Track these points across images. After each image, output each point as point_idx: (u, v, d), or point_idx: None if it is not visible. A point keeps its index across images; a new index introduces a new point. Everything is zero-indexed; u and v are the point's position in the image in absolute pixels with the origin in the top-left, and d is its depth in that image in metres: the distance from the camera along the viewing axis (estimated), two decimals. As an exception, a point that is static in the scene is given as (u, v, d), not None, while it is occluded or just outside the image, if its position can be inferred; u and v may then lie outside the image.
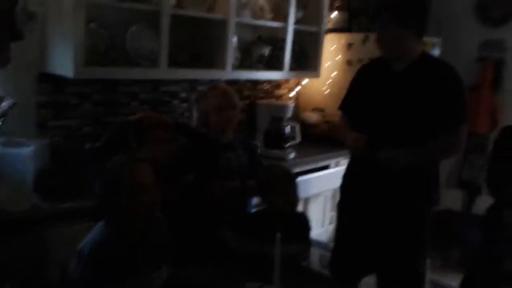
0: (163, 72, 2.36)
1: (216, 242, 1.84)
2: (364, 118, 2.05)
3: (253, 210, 2.15)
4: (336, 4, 3.45)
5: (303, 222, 1.94)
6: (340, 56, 3.42)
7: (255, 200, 2.23)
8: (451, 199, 3.56)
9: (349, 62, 3.39)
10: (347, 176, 2.22)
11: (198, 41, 2.69)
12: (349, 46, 3.38)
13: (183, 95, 2.81)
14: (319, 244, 2.90)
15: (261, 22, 2.89)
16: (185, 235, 1.84)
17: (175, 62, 2.50)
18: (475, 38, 3.65)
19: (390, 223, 2.03)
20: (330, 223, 3.20)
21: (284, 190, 1.85)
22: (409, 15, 1.89)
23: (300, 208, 2.82)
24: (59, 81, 2.19)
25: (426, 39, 3.06)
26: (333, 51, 3.43)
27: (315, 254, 2.85)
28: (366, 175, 2.05)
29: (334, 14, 3.47)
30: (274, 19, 2.97)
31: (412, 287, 2.11)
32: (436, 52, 3.29)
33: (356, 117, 2.14)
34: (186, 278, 1.59)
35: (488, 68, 3.57)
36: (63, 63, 2.07)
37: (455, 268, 3.26)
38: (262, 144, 2.90)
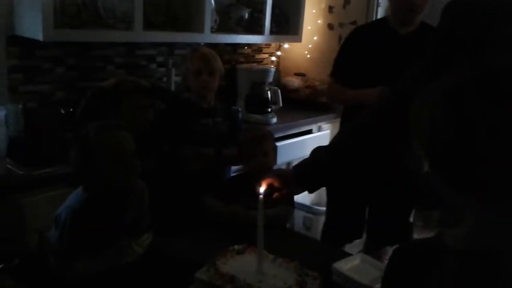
0: (138, 35, 2.27)
1: (197, 209, 1.81)
2: (365, 83, 2.02)
3: (232, 175, 2.12)
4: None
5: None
6: (321, 20, 3.36)
7: (234, 168, 2.20)
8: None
9: (330, 26, 3.33)
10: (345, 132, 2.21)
11: (174, 2, 2.59)
12: (330, 9, 3.31)
13: (161, 59, 2.73)
14: (302, 206, 2.93)
15: (239, -17, 2.80)
16: (165, 203, 1.82)
17: (151, 24, 2.41)
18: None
19: (381, 176, 2.08)
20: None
21: (261, 150, 1.83)
22: None
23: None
24: (29, 44, 2.09)
25: None
26: (313, 15, 3.36)
27: (298, 217, 2.87)
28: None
29: (315, -24, 3.39)
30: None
31: (403, 236, 2.18)
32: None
33: (353, 83, 2.09)
34: (168, 246, 1.56)
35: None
36: (32, 25, 1.97)
37: (435, 228, 3.34)
38: (243, 109, 2.86)
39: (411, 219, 2.24)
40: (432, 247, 0.77)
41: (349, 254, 1.59)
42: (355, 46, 2.13)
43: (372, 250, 2.24)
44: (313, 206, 2.93)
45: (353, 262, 1.48)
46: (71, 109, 2.19)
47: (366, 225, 2.31)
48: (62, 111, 2.19)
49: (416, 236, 3.26)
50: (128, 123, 1.55)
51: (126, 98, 1.78)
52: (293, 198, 1.92)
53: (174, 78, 2.66)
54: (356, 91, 2.08)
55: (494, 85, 0.69)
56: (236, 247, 1.46)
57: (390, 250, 2.34)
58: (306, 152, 2.94)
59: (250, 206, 1.70)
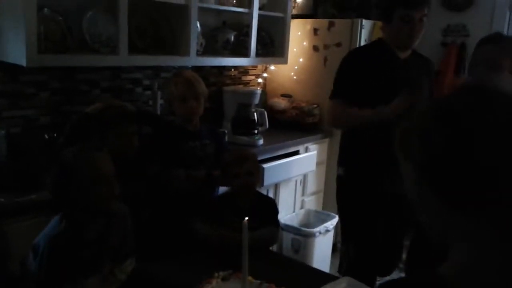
0: (124, 59, 2.28)
1: (185, 233, 1.79)
2: (370, 102, 2.01)
3: (218, 195, 2.10)
4: (301, -11, 3.42)
5: (269, 205, 1.92)
6: (306, 42, 3.40)
7: (221, 190, 2.19)
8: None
9: (315, 48, 3.38)
10: (355, 162, 2.17)
11: (160, 26, 2.61)
12: (315, 31, 3.36)
13: (147, 82, 2.74)
14: (290, 228, 2.91)
15: (225, 8, 2.83)
16: (151, 227, 1.79)
17: (136, 48, 2.42)
18: (439, 22, 3.70)
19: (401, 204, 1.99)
20: (301, 208, 3.20)
21: (245, 169, 1.82)
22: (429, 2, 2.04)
23: (270, 193, 2.82)
24: (13, 69, 2.08)
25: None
26: (299, 37, 3.41)
27: (287, 239, 2.85)
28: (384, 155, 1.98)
29: (299, 0, 3.45)
30: (239, 4, 2.92)
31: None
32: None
33: (357, 102, 2.06)
34: (152, 272, 1.54)
35: (451, 53, 3.62)
36: (16, 51, 1.96)
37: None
38: (230, 131, 2.86)
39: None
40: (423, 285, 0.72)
41: (336, 278, 1.58)
42: (356, 68, 2.10)
43: None
44: (301, 228, 2.92)
45: (339, 286, 1.46)
46: (55, 134, 2.18)
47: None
48: (46, 136, 2.17)
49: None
50: (113, 148, 1.54)
51: (112, 125, 1.77)
52: (277, 218, 1.92)
53: (160, 101, 2.66)
54: (366, 110, 2.01)
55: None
56: (221, 273, 1.45)
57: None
58: (293, 173, 2.99)
59: (235, 227, 1.68)
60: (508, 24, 3.50)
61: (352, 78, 2.11)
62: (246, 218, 1.27)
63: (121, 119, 1.79)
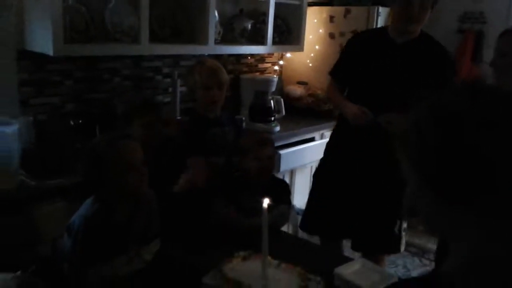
0: (145, 48, 2.34)
1: (207, 215, 1.86)
2: (360, 85, 2.15)
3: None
4: (317, -23, 3.43)
5: (282, 187, 1.99)
6: (322, 29, 3.42)
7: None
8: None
9: (331, 35, 3.40)
10: (332, 141, 2.34)
11: (179, 16, 2.67)
12: (331, 19, 3.38)
13: (166, 70, 2.80)
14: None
15: (242, -4, 2.87)
16: (175, 211, 1.87)
17: (156, 37, 2.48)
18: (456, 9, 3.68)
19: (370, 185, 2.16)
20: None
21: (266, 153, 1.89)
22: None
23: (286, 179, 2.88)
24: (39, 58, 2.17)
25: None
26: (315, 25, 3.43)
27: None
28: (351, 140, 2.19)
29: (316, -13, 3.46)
30: (256, -8, 2.96)
31: (388, 247, 2.22)
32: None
33: (349, 84, 2.21)
34: (176, 252, 1.62)
35: (468, 40, 3.61)
36: (43, 40, 2.04)
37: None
38: (247, 118, 2.92)
39: (398, 229, 2.26)
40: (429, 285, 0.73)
41: (351, 259, 1.65)
42: (353, 50, 2.22)
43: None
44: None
45: (354, 267, 1.53)
46: (80, 121, 2.26)
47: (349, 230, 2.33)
48: (72, 123, 2.26)
49: (415, 240, 3.29)
50: (139, 138, 1.63)
51: (135, 116, 1.86)
52: (289, 199, 1.99)
53: (180, 89, 2.72)
54: (341, 100, 2.21)
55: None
56: (241, 253, 1.52)
57: (385, 258, 2.38)
58: (309, 160, 3.04)
59: (252, 209, 1.76)
60: (527, 11, 3.47)
61: (346, 60, 2.24)
62: (266, 202, 1.33)
63: (143, 109, 1.87)
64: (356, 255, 2.26)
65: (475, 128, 0.69)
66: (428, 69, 2.04)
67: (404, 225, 2.28)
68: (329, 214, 2.27)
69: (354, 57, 2.19)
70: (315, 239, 2.39)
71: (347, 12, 3.31)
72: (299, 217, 2.42)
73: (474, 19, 3.65)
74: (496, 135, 0.68)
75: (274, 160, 1.96)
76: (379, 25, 3.21)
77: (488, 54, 3.58)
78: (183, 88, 2.68)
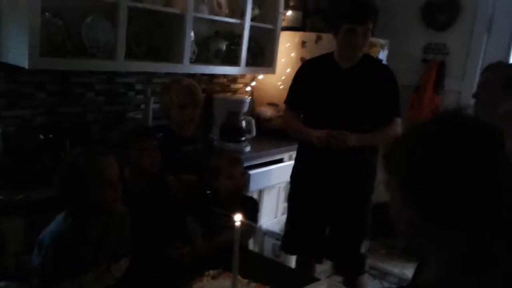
0: (120, 64, 2.36)
1: (179, 233, 1.88)
2: (312, 111, 2.27)
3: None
4: (291, 3, 3.55)
5: (251, 204, 2.04)
6: (294, 53, 3.53)
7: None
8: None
9: (302, 60, 3.50)
10: (298, 165, 2.42)
11: (155, 34, 2.70)
12: (303, 44, 3.49)
13: (139, 87, 2.82)
14: (271, 234, 3.01)
15: (218, 18, 2.94)
16: (147, 228, 1.87)
17: (132, 54, 2.51)
18: (420, 40, 3.87)
19: (336, 207, 2.27)
20: (283, 214, 3.31)
21: (238, 171, 1.93)
22: (375, 15, 2.14)
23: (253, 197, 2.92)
24: (13, 70, 2.14)
25: (375, 40, 3.25)
26: (287, 48, 3.53)
27: (268, 244, 2.96)
28: (316, 163, 2.28)
29: (289, 13, 3.57)
30: (231, 15, 3.03)
31: (355, 267, 2.33)
32: (384, 53, 3.47)
33: (304, 110, 2.32)
34: (146, 270, 1.62)
35: (431, 69, 3.80)
36: (18, 53, 2.03)
37: (399, 255, 3.50)
38: (218, 137, 2.96)
39: (364, 249, 2.36)
40: None
41: (317, 279, 1.69)
42: (303, 78, 2.35)
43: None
44: (282, 234, 3.02)
45: (320, 287, 1.57)
46: (51, 135, 2.24)
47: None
48: (42, 136, 2.23)
49: (378, 263, 3.39)
50: (138, 164, 1.65)
51: (133, 142, 1.84)
52: (256, 216, 2.05)
53: (152, 106, 2.74)
54: (301, 127, 2.31)
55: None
56: (211, 272, 1.54)
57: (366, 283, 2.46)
58: (277, 180, 3.10)
59: (222, 226, 1.80)
60: (486, 46, 3.69)
61: (297, 87, 2.36)
62: (239, 218, 1.36)
63: (140, 135, 1.87)
64: (338, 279, 2.34)
65: (469, 157, 0.74)
66: (373, 89, 2.19)
67: (368, 245, 2.37)
68: (306, 235, 2.35)
69: (304, 84, 2.31)
70: (282, 260, 2.44)
71: (318, 38, 3.43)
72: (265, 238, 2.48)
73: (438, 50, 3.86)
74: (489, 165, 0.74)
75: (245, 178, 2.01)
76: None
77: (450, 83, 3.80)
78: (156, 105, 2.71)
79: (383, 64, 2.30)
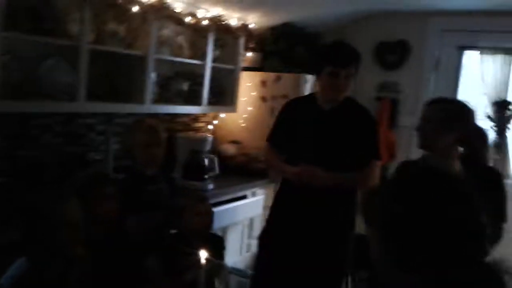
0: (81, 105, 2.36)
1: (143, 275, 1.84)
2: (294, 151, 2.28)
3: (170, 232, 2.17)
4: (251, 45, 3.68)
5: (218, 242, 2.04)
6: (255, 92, 3.63)
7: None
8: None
9: (263, 99, 3.60)
10: (276, 203, 2.40)
11: (117, 75, 2.73)
12: (263, 83, 3.60)
13: (100, 127, 2.81)
14: (237, 271, 2.99)
15: (180, 59, 3.00)
16: (105, 274, 1.83)
17: (93, 95, 2.51)
18: (375, 79, 4.07)
19: (315, 246, 2.23)
20: (247, 251, 3.31)
21: (205, 209, 1.94)
22: (358, 60, 2.19)
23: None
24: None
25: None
26: (248, 88, 3.63)
27: (233, 281, 2.93)
28: (295, 202, 2.27)
29: (249, 54, 3.69)
30: (193, 56, 3.11)
31: None
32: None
33: (285, 149, 2.33)
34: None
35: (384, 107, 3.97)
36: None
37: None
38: (181, 176, 2.96)
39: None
40: None
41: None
42: (286, 117, 2.38)
43: None
44: (247, 271, 3.01)
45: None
46: (6, 179, 2.19)
47: None
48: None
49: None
50: (96, 213, 1.63)
51: (89, 190, 1.82)
52: (223, 254, 2.03)
53: (113, 147, 2.73)
54: (280, 164, 2.34)
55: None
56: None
57: None
58: (241, 217, 3.12)
59: (186, 266, 1.78)
60: (435, 83, 3.92)
61: (279, 126, 2.39)
62: (204, 255, 1.36)
63: (96, 183, 1.85)
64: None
65: (424, 206, 0.86)
66: (353, 131, 2.23)
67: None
68: (277, 278, 2.30)
69: (286, 123, 2.35)
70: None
71: (278, 78, 3.55)
72: (230, 276, 2.45)
73: (390, 88, 4.06)
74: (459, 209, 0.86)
75: (211, 216, 2.01)
76: (306, 90, 3.47)
77: (403, 119, 3.98)
78: (116, 146, 2.70)
79: (364, 107, 2.34)
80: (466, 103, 1.98)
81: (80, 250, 1.46)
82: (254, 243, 3.36)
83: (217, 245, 2.01)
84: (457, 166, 1.91)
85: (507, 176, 3.60)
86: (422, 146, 2.00)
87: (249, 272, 2.98)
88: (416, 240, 0.86)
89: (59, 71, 2.34)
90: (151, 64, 2.70)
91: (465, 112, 1.95)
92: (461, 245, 0.85)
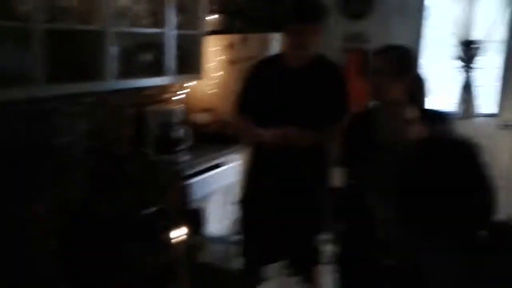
0: (42, 89, 2.27)
1: (117, 256, 1.84)
2: (263, 114, 2.26)
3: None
4: (213, 7, 3.56)
5: (196, 216, 2.04)
6: (223, 56, 3.55)
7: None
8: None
9: (231, 62, 3.53)
10: (253, 168, 2.40)
11: (76, 53, 2.61)
12: (230, 46, 3.51)
13: (64, 109, 2.71)
14: (220, 239, 3.02)
15: (139, 30, 2.89)
16: (90, 252, 1.82)
17: (53, 77, 2.41)
18: (340, 30, 4.01)
19: (293, 204, 2.28)
20: (228, 218, 3.33)
21: (174, 188, 1.93)
22: (324, 15, 2.14)
23: (198, 206, 2.91)
24: None
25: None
26: (216, 52, 3.54)
27: (217, 249, 2.96)
28: (271, 163, 2.28)
29: (213, 16, 3.58)
30: (153, 25, 2.99)
31: (310, 260, 2.37)
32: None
33: (255, 112, 2.30)
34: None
35: (352, 59, 3.94)
36: None
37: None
38: (154, 150, 2.92)
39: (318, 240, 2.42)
40: None
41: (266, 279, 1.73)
42: (252, 80, 2.35)
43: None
44: (230, 236, 3.04)
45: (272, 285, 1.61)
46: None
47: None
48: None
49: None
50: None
51: None
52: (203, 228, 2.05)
53: (80, 127, 2.65)
54: (254, 129, 2.29)
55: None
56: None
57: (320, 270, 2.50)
58: (220, 184, 3.11)
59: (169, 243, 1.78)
60: (401, 29, 3.88)
61: (246, 90, 2.35)
62: (184, 232, 1.34)
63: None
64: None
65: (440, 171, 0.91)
66: (321, 88, 2.22)
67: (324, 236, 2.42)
68: (267, 235, 2.34)
69: (252, 87, 2.31)
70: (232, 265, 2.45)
71: (245, 39, 3.46)
72: (215, 243, 2.48)
73: (358, 38, 4.01)
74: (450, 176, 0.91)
75: (188, 192, 2.01)
76: (275, 49, 3.40)
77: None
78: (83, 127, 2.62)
79: (332, 64, 2.30)
80: (410, 49, 1.94)
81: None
82: (235, 209, 3.40)
83: (196, 220, 2.01)
84: (411, 113, 1.89)
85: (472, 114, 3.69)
86: (376, 97, 1.96)
87: (233, 238, 3.02)
88: (435, 204, 0.90)
89: (13, 55, 2.22)
90: (110, 38, 2.59)
91: (412, 59, 1.92)
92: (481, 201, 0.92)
